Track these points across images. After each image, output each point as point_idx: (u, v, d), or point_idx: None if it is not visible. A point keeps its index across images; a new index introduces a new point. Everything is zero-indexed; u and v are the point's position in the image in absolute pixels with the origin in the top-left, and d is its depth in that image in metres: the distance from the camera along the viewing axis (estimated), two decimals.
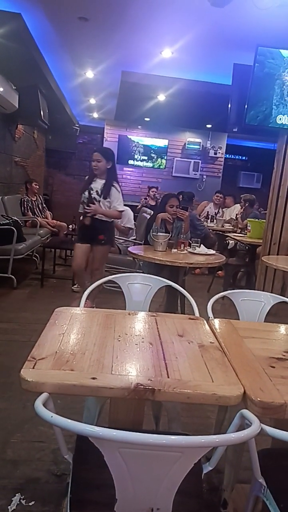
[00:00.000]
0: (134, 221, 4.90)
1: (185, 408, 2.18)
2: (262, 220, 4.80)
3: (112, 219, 3.59)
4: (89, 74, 5.56)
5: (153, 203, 7.39)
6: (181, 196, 5.87)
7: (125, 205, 4.92)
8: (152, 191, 7.54)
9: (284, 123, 3.82)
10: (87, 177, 3.66)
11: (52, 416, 0.86)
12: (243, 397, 1.04)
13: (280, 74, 3.77)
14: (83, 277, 3.67)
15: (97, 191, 3.44)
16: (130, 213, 4.76)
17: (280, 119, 3.81)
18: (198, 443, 0.83)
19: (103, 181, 3.47)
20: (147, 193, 7.81)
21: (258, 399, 1.01)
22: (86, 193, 3.46)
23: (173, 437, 0.81)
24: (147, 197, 7.64)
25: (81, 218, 3.57)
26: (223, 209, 6.97)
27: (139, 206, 7.03)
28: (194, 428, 2.11)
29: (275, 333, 1.62)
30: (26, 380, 1.00)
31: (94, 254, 3.60)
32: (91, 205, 3.38)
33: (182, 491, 0.92)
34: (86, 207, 3.38)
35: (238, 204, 6.56)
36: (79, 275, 3.70)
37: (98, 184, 3.48)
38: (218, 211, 6.92)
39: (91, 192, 3.44)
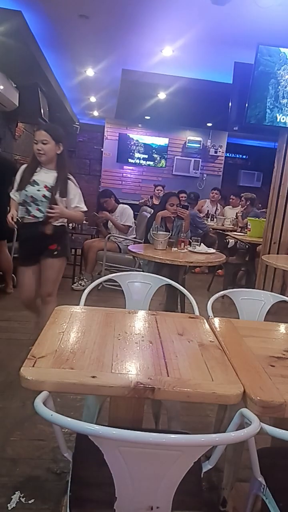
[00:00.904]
0: (134, 219, 4.90)
1: (184, 407, 2.18)
2: (262, 219, 4.80)
3: (65, 223, 2.63)
4: (90, 72, 5.55)
5: (157, 202, 7.16)
6: (183, 195, 5.87)
7: (125, 203, 4.96)
8: (158, 190, 7.14)
9: (284, 121, 3.82)
10: (24, 166, 2.57)
11: (52, 415, 0.86)
12: (243, 396, 1.04)
13: (275, 73, 3.71)
14: (36, 307, 2.77)
15: (47, 186, 2.44)
16: (129, 211, 4.76)
17: (281, 118, 3.81)
18: (197, 442, 0.83)
19: (54, 173, 2.49)
20: (153, 191, 7.42)
21: (258, 398, 1.01)
22: (30, 188, 2.43)
23: (172, 435, 0.81)
24: (152, 196, 7.26)
25: (17, 225, 2.54)
26: (225, 208, 6.98)
27: (143, 202, 6.86)
28: (194, 426, 2.11)
29: (275, 332, 1.62)
30: (26, 379, 1.00)
31: (44, 272, 2.61)
32: (54, 206, 2.40)
33: (182, 490, 0.92)
34: (49, 210, 2.40)
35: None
36: (32, 306, 2.76)
37: (46, 177, 2.47)
38: (217, 208, 6.92)
39: (38, 187, 2.44)
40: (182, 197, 5.75)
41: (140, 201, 7.10)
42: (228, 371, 1.15)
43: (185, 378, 1.08)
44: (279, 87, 3.74)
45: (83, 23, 3.97)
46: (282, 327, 1.64)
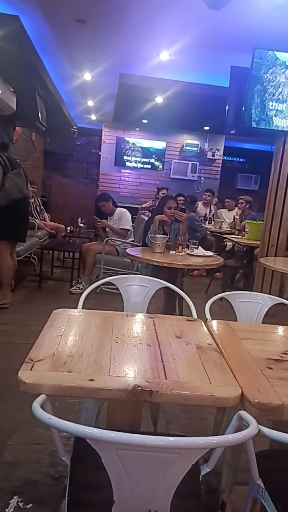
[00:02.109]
0: (132, 222, 4.91)
1: (183, 410, 2.18)
2: (259, 222, 4.81)
3: None
4: (87, 76, 5.56)
5: None
6: (180, 199, 5.87)
7: (123, 206, 4.96)
8: (162, 193, 6.59)
9: (281, 125, 3.84)
10: None
11: (49, 418, 0.86)
12: (241, 399, 1.04)
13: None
14: None
15: None
16: (128, 214, 4.77)
17: (277, 121, 3.82)
18: (195, 444, 0.83)
19: None
20: (155, 194, 7.05)
21: (256, 400, 1.01)
22: None
23: (170, 438, 0.81)
24: (155, 200, 6.83)
25: None
26: (219, 210, 6.99)
27: (146, 206, 6.57)
28: (192, 429, 2.11)
29: (273, 334, 1.62)
30: (23, 382, 1.00)
31: None
32: None
33: (180, 493, 0.92)
34: None
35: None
36: None
37: None
38: (210, 210, 6.93)
39: None
40: (180, 200, 5.75)
41: (143, 205, 6.74)
42: (226, 373, 1.15)
43: (183, 380, 1.08)
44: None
45: (81, 27, 3.99)
46: (280, 330, 1.65)
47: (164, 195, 6.53)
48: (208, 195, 6.94)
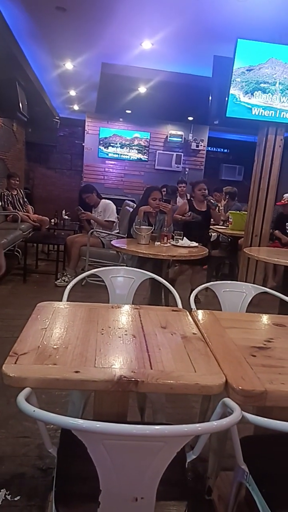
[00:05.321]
0: (117, 214, 4.88)
1: (170, 399, 2.20)
2: (243, 212, 4.85)
3: None
4: (69, 65, 5.47)
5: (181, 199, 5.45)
6: (164, 190, 5.85)
7: (107, 198, 4.93)
8: (181, 187, 5.85)
9: (263, 115, 3.85)
10: None
11: (34, 411, 0.86)
12: (225, 386, 1.06)
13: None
14: None
15: None
16: (112, 206, 4.74)
17: (260, 112, 3.84)
18: (180, 432, 0.84)
19: None
20: (176, 191, 6.47)
21: (240, 387, 1.03)
22: None
23: (156, 427, 0.82)
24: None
25: None
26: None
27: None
28: (179, 418, 2.13)
29: (256, 323, 1.65)
30: (8, 376, 1.00)
31: None
32: None
33: (167, 480, 0.93)
34: None
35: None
36: None
37: None
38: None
39: None
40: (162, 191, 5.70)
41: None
42: (211, 362, 1.16)
43: (168, 370, 1.08)
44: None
45: (61, 15, 3.91)
46: (263, 318, 1.67)
47: (184, 188, 5.91)
48: (184, 186, 6.88)
